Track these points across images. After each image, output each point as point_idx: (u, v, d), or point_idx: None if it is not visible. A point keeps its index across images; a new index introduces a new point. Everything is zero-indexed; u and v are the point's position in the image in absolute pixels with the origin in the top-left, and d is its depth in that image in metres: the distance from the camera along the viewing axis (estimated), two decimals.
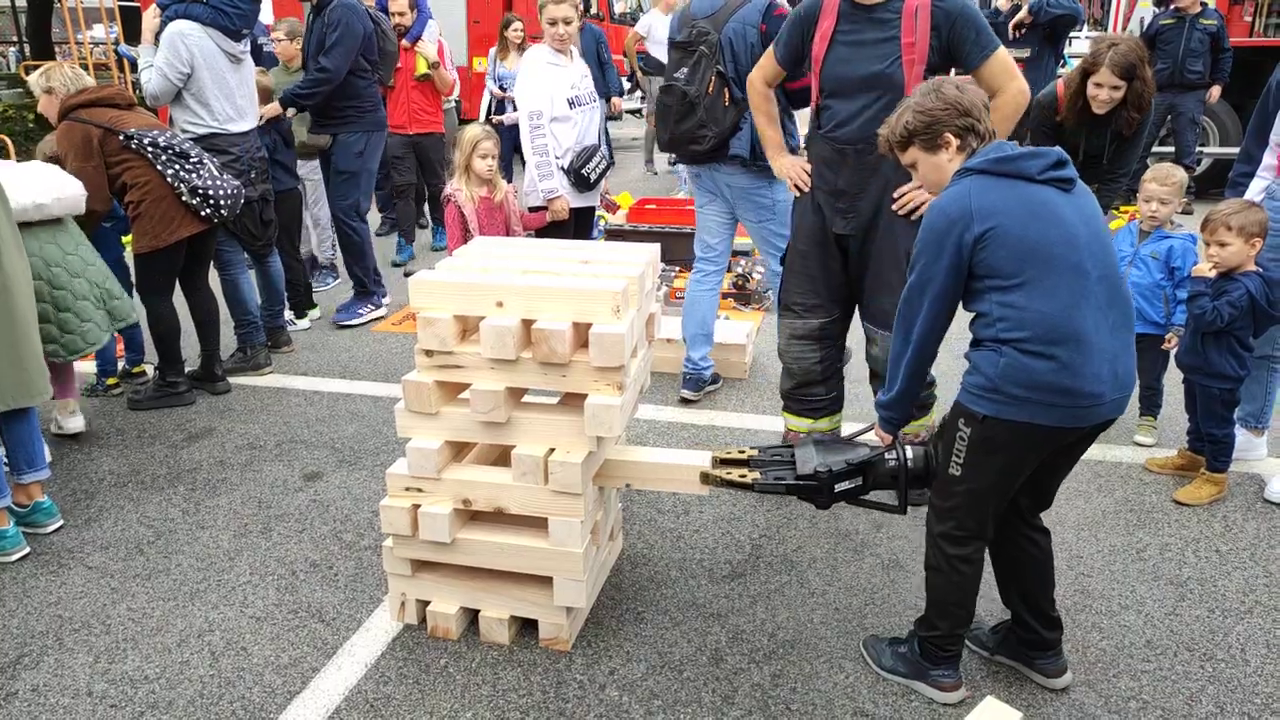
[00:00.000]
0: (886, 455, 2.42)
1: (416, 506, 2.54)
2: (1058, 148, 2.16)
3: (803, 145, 3.49)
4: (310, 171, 5.86)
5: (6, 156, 10.32)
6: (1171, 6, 8.05)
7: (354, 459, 3.81)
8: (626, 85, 14.09)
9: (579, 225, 4.63)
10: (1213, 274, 3.20)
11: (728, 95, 3.70)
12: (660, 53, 10.93)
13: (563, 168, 4.37)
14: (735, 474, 2.51)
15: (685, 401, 4.33)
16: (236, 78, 4.56)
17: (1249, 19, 8.68)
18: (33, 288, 3.20)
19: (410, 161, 6.90)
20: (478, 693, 2.44)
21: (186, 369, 4.47)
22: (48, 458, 3.37)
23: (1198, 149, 8.36)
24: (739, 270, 5.82)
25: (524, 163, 4.47)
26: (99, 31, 15.88)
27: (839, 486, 2.42)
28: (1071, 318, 2.04)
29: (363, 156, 5.37)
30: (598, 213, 5.49)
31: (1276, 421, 3.73)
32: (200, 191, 4.04)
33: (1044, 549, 2.39)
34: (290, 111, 5.27)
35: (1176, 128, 8.27)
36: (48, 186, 3.56)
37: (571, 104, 4.35)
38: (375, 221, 7.53)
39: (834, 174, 3.10)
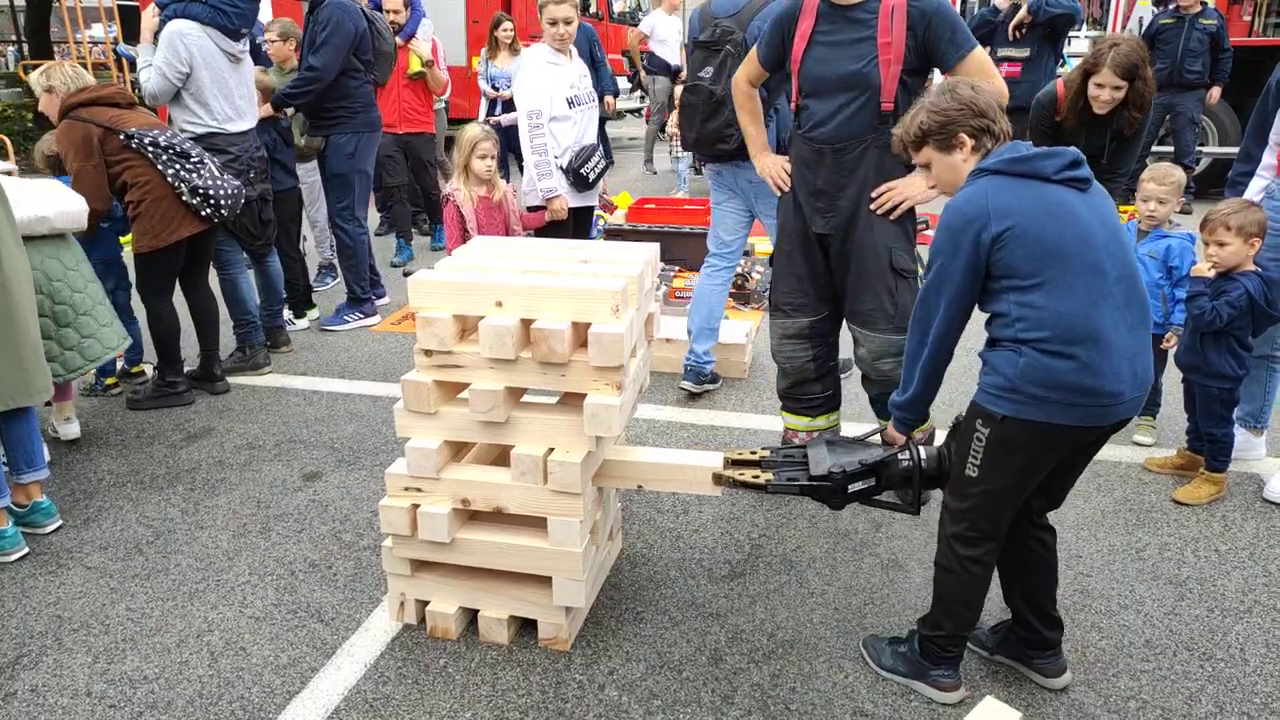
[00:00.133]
0: (900, 456, 2.41)
1: (416, 506, 2.54)
2: (1073, 148, 2.15)
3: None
4: (308, 173, 5.86)
5: (5, 156, 10.33)
6: (1172, 6, 8.05)
7: (353, 459, 3.81)
8: (628, 85, 14.10)
9: (578, 225, 4.63)
10: (1212, 274, 3.20)
11: None
12: (664, 52, 10.95)
13: (561, 167, 4.37)
14: (748, 475, 2.51)
15: (685, 393, 4.35)
16: (235, 77, 4.56)
17: (1248, 18, 8.69)
18: (33, 287, 3.20)
19: (401, 161, 6.85)
20: (477, 693, 2.44)
21: (185, 369, 4.47)
22: (46, 458, 3.37)
23: (1197, 148, 8.37)
24: (739, 270, 5.82)
25: (520, 164, 4.47)
26: (98, 31, 15.89)
27: (852, 487, 2.41)
28: (1091, 317, 2.04)
29: (354, 158, 5.29)
30: (596, 212, 5.49)
31: (1276, 421, 3.73)
32: (201, 191, 4.04)
33: (1050, 548, 2.39)
34: (289, 111, 5.26)
35: (1175, 127, 8.28)
36: (51, 200, 3.58)
37: (571, 103, 4.35)
38: (375, 221, 7.53)
39: (813, 173, 3.11)
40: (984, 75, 2.88)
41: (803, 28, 3.02)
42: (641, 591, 2.88)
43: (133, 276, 4.38)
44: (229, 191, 4.13)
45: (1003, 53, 7.28)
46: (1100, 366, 2.04)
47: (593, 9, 13.21)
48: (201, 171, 4.07)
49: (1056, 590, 2.41)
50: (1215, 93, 8.10)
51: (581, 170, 4.39)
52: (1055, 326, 2.05)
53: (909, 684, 2.42)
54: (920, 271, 3.14)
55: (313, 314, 5.61)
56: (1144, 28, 8.46)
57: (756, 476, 2.50)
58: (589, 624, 2.71)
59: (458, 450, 2.67)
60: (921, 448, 2.41)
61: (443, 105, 7.67)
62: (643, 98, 14.54)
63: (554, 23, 4.26)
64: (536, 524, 2.52)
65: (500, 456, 2.72)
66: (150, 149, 3.95)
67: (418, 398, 2.49)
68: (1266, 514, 3.30)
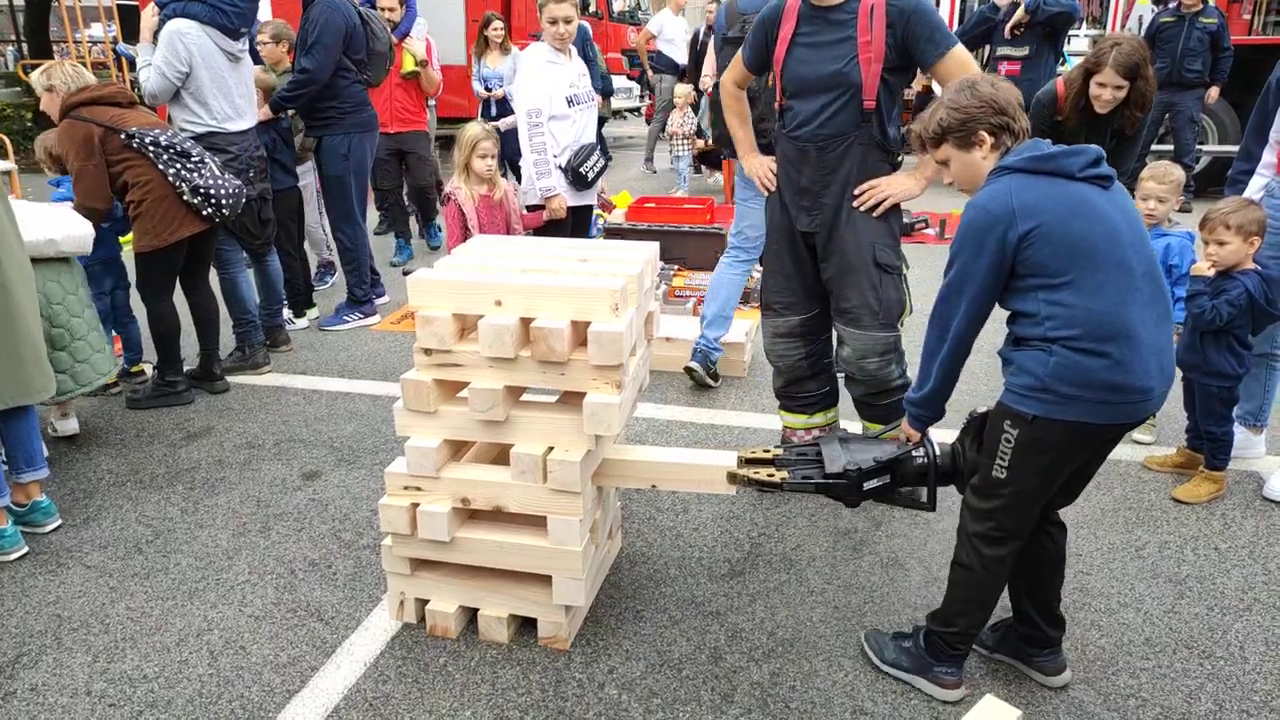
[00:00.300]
0: (914, 453, 2.41)
1: (415, 505, 2.54)
2: (1095, 146, 2.15)
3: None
4: (303, 174, 5.84)
5: (4, 155, 10.32)
6: (1172, 4, 8.04)
7: (353, 458, 3.81)
8: (627, 84, 14.10)
9: (577, 224, 4.63)
10: (1211, 273, 3.20)
11: None
12: (671, 51, 10.96)
13: (560, 166, 4.37)
14: (763, 473, 2.50)
15: (688, 377, 4.39)
16: (235, 76, 4.55)
17: (1248, 17, 8.69)
18: (34, 287, 3.20)
19: (394, 163, 6.77)
20: (477, 691, 2.44)
21: (185, 368, 4.47)
22: (45, 456, 3.37)
23: (1197, 147, 8.37)
24: None
25: (516, 171, 4.48)
26: (97, 30, 15.88)
27: (867, 484, 2.41)
28: (1121, 313, 2.04)
29: (348, 159, 5.25)
30: (595, 212, 5.49)
31: (1275, 419, 3.73)
32: (202, 191, 4.04)
33: (1059, 545, 2.39)
34: (290, 111, 5.26)
35: (1174, 126, 8.28)
36: (59, 224, 3.61)
37: (570, 102, 4.35)
38: (374, 220, 7.50)
39: (797, 172, 3.12)
40: (963, 74, 2.85)
41: (784, 30, 3.04)
42: (641, 590, 2.88)
43: (132, 276, 4.38)
44: (230, 191, 4.13)
45: (1002, 51, 7.28)
46: (1131, 363, 2.04)
47: (592, 8, 13.21)
48: (202, 171, 4.07)
49: (1062, 588, 2.42)
50: (1214, 92, 8.10)
51: (580, 169, 4.39)
52: (1087, 324, 2.04)
53: (910, 679, 2.42)
54: (905, 269, 3.14)
55: (312, 313, 5.61)
56: (1144, 26, 8.45)
57: (771, 475, 2.49)
58: (589, 622, 2.71)
59: (457, 449, 2.67)
60: (937, 444, 2.41)
61: (431, 105, 7.60)
62: (642, 96, 14.56)
63: (554, 21, 4.26)
64: (536, 523, 2.52)
65: (500, 455, 2.72)
66: (151, 148, 3.95)
67: (417, 397, 2.49)
68: (1266, 512, 3.30)
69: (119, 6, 12.97)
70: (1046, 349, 2.09)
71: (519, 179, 4.50)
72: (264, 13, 6.01)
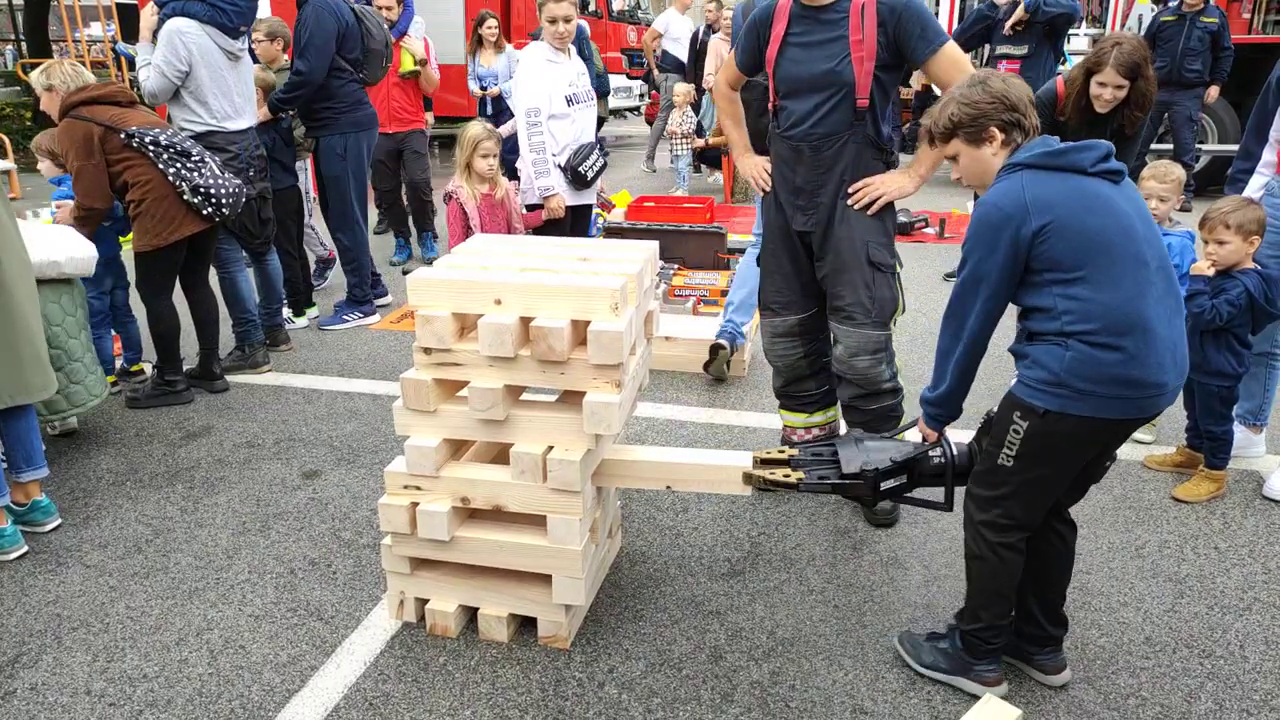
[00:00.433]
0: (931, 452, 2.40)
1: (415, 504, 2.54)
2: (1105, 141, 2.15)
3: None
4: (300, 170, 5.83)
5: (4, 155, 10.32)
6: (1174, 3, 8.04)
7: (352, 457, 3.81)
8: (627, 83, 14.09)
9: (576, 223, 4.63)
10: (1211, 272, 3.20)
11: None
12: (677, 50, 10.96)
13: (559, 165, 4.37)
14: (779, 474, 2.49)
15: (715, 350, 4.41)
16: (234, 75, 4.55)
17: (1247, 16, 8.70)
18: (35, 286, 3.20)
19: (392, 164, 6.72)
20: (476, 690, 2.44)
21: (185, 367, 4.47)
22: (45, 455, 3.37)
23: (1196, 146, 8.37)
24: (737, 268, 5.81)
25: (513, 171, 4.48)
26: (96, 29, 15.87)
27: (884, 485, 2.40)
28: (1137, 307, 2.04)
29: (344, 159, 5.24)
30: (594, 211, 5.49)
31: (1275, 418, 3.73)
32: (202, 190, 4.03)
33: (1068, 545, 2.39)
34: (291, 111, 5.25)
35: (1173, 126, 8.28)
36: (63, 246, 3.63)
37: (570, 101, 4.35)
38: (373, 219, 7.49)
39: (792, 172, 3.12)
40: (957, 70, 2.88)
41: (776, 30, 3.04)
42: (641, 589, 2.88)
43: (132, 275, 4.37)
44: (230, 190, 4.13)
45: (1001, 50, 7.27)
46: (1146, 357, 2.05)
47: (591, 7, 13.20)
48: (203, 170, 4.06)
49: (1067, 588, 2.41)
50: (1214, 91, 8.09)
51: (580, 168, 4.39)
52: (1103, 318, 2.04)
53: (951, 680, 2.40)
54: (899, 268, 3.14)
55: (312, 312, 5.60)
56: (1143, 26, 8.45)
57: (787, 476, 2.48)
58: (589, 622, 2.71)
59: (457, 448, 2.67)
60: (954, 444, 2.40)
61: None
62: (642, 96, 14.56)
63: (553, 21, 4.25)
64: (536, 522, 2.52)
65: (500, 455, 2.72)
66: (151, 148, 3.95)
67: (417, 396, 2.49)
68: (1266, 511, 3.30)
69: (118, 5, 12.98)
70: (1062, 344, 2.08)
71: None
72: (263, 11, 6.00)
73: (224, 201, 4.10)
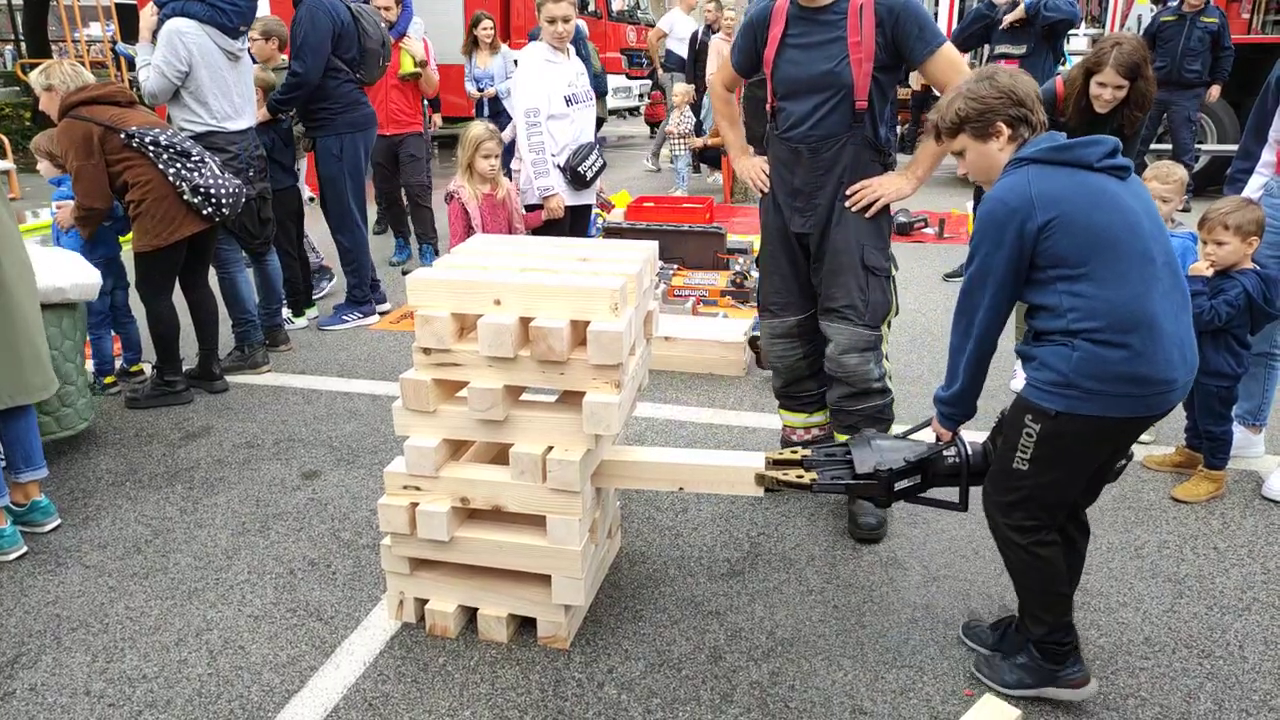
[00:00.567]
0: (946, 452, 2.40)
1: (414, 505, 2.54)
2: (1112, 136, 2.15)
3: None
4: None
5: (3, 155, 10.32)
6: (1174, 3, 8.04)
7: (352, 457, 3.81)
8: (634, 85, 14.09)
9: (575, 223, 4.63)
10: (1210, 272, 3.20)
11: None
12: (682, 50, 10.97)
13: (559, 165, 4.37)
14: (792, 475, 2.49)
15: (754, 341, 4.45)
16: (234, 75, 4.55)
17: (1247, 16, 8.70)
18: (35, 286, 3.20)
19: (390, 166, 6.69)
20: (476, 691, 2.44)
21: (184, 368, 4.46)
22: (44, 455, 3.37)
23: (1196, 146, 8.37)
24: (736, 268, 5.82)
25: (510, 174, 4.48)
26: (96, 29, 15.87)
27: (898, 485, 2.40)
28: (1144, 304, 2.03)
29: (341, 160, 5.22)
30: (594, 211, 5.49)
31: (1274, 418, 3.73)
32: (202, 190, 4.03)
33: (1078, 549, 2.38)
34: (290, 112, 5.25)
35: (1171, 126, 8.28)
36: (69, 273, 3.66)
37: (569, 101, 4.35)
38: (372, 219, 7.49)
39: (790, 173, 3.12)
40: (954, 71, 2.88)
41: (774, 32, 3.03)
42: (641, 590, 2.88)
43: (132, 276, 4.37)
44: (230, 190, 4.13)
45: (1000, 49, 7.28)
46: (1153, 354, 2.04)
47: (591, 7, 13.20)
48: (203, 170, 4.06)
49: (1074, 591, 2.40)
50: (1214, 91, 8.09)
51: (579, 168, 4.39)
52: (1109, 315, 2.03)
53: (1040, 693, 2.32)
54: (894, 272, 3.14)
55: (311, 313, 5.60)
56: (1142, 25, 8.45)
57: (800, 476, 2.48)
58: (588, 622, 2.71)
59: (456, 448, 2.67)
60: (969, 443, 2.39)
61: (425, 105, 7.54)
62: (642, 96, 14.56)
63: (552, 21, 4.26)
64: (535, 522, 2.52)
65: (499, 455, 2.72)
66: (151, 148, 3.95)
67: (416, 396, 2.49)
68: (1265, 511, 3.30)
69: (117, 5, 12.97)
70: (1069, 344, 2.08)
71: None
72: (262, 10, 5.99)
73: (224, 202, 4.10)
